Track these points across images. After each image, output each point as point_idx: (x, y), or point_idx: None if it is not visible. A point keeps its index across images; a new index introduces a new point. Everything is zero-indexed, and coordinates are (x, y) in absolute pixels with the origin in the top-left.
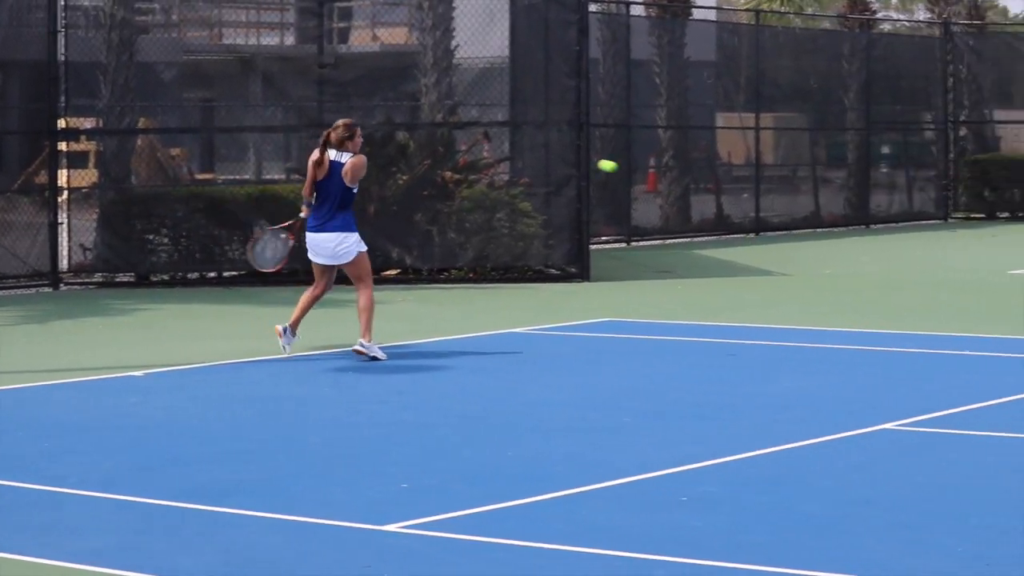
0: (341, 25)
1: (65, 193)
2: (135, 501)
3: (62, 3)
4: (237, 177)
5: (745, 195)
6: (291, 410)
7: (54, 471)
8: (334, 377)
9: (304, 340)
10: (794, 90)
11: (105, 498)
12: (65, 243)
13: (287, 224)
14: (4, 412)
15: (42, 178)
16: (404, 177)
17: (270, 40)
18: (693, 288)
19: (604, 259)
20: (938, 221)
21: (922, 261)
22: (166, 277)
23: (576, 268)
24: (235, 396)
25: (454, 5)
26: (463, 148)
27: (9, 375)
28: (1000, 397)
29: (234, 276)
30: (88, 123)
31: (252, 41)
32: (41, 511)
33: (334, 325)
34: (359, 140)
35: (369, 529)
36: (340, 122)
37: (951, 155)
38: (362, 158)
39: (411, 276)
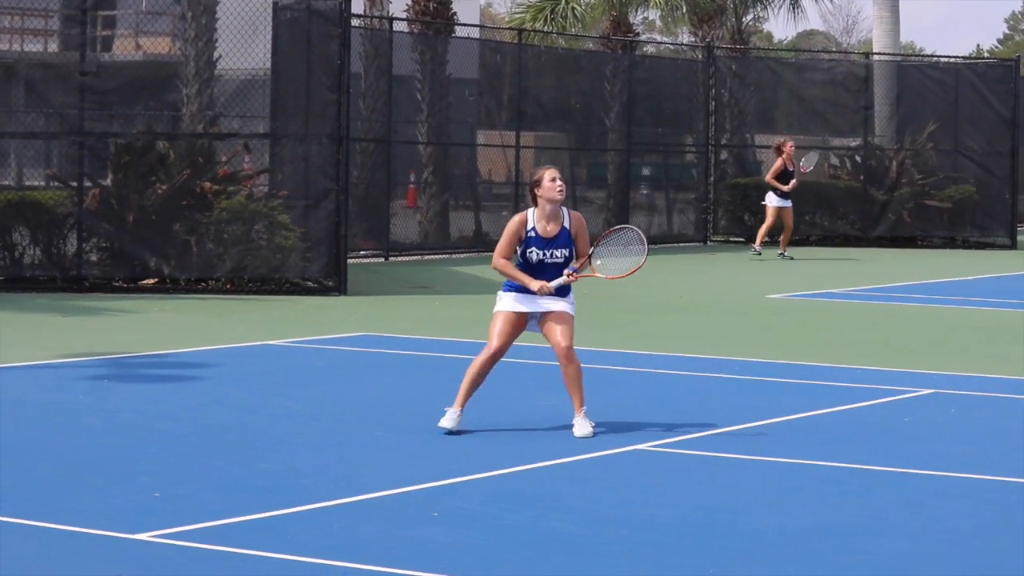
0: (105, 33)
1: None
2: None
3: None
4: None
5: (504, 213)
6: (44, 416)
7: None
8: (89, 384)
9: (61, 347)
10: (556, 109)
11: None
12: None
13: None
14: None
15: None
16: (163, 186)
17: (34, 47)
18: (450, 304)
19: (362, 273)
20: (697, 244)
21: (681, 283)
22: None
23: (333, 282)
24: None
25: (217, 16)
26: (223, 159)
27: None
28: (753, 420)
29: None
30: None
31: (15, 47)
32: None
33: (92, 334)
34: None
35: (119, 537)
36: None
37: (712, 178)
38: None
39: (169, 286)
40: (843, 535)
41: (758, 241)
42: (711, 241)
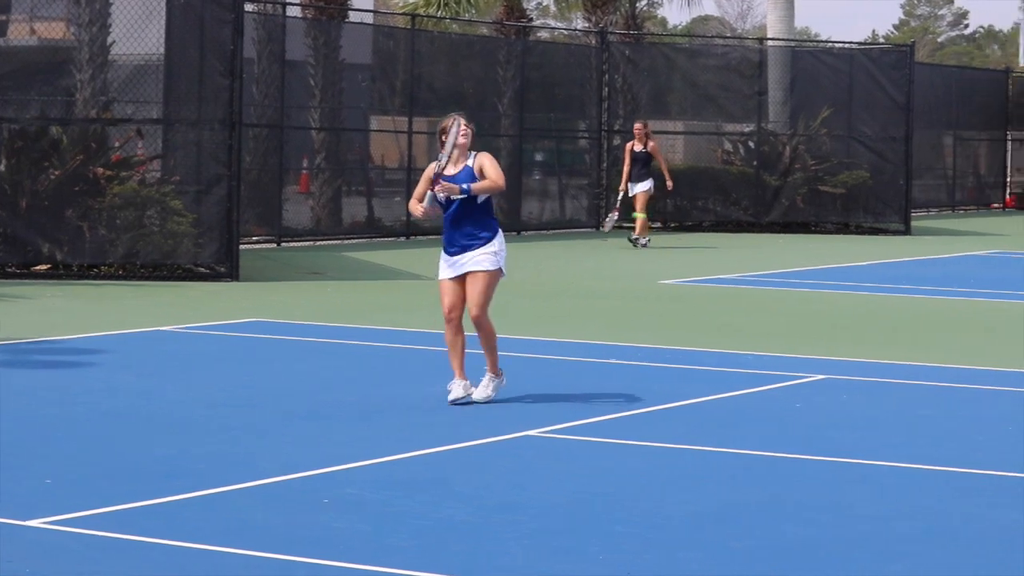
0: None
1: None
2: None
3: None
4: None
5: (397, 199)
6: None
7: None
8: None
9: None
10: (449, 95)
11: None
12: None
13: None
14: None
15: None
16: (56, 172)
17: None
18: (343, 290)
19: (254, 259)
20: (590, 229)
21: (573, 269)
22: None
23: (225, 268)
24: None
25: (111, 1)
26: (116, 144)
27: None
28: (646, 406)
29: None
30: None
31: None
32: None
33: None
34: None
35: (11, 524)
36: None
37: (604, 164)
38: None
39: (61, 272)
40: (742, 520)
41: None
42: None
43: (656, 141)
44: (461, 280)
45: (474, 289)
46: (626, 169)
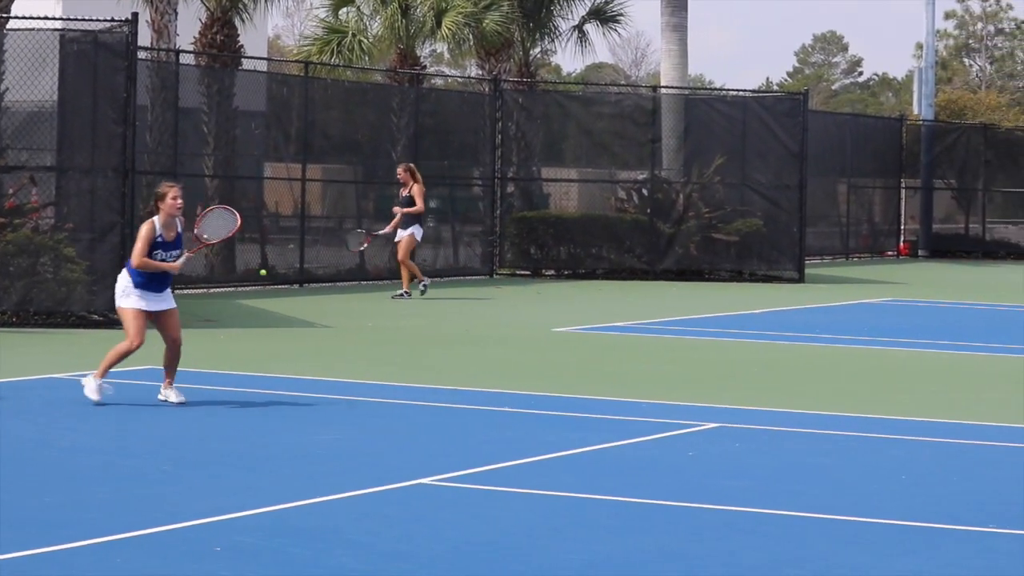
0: None
1: None
2: None
3: None
4: None
5: (291, 246)
6: None
7: None
8: None
9: None
10: (343, 142)
11: None
12: None
13: None
14: None
15: None
16: None
17: None
18: (236, 338)
19: None
20: (483, 277)
21: (466, 317)
22: None
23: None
24: None
25: (4, 48)
26: (10, 191)
27: None
28: (539, 454)
29: None
30: None
31: None
32: None
33: None
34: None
35: None
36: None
37: (498, 211)
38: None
39: None
40: (622, 569)
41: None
42: (497, 274)
43: (420, 184)
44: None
45: (176, 320)
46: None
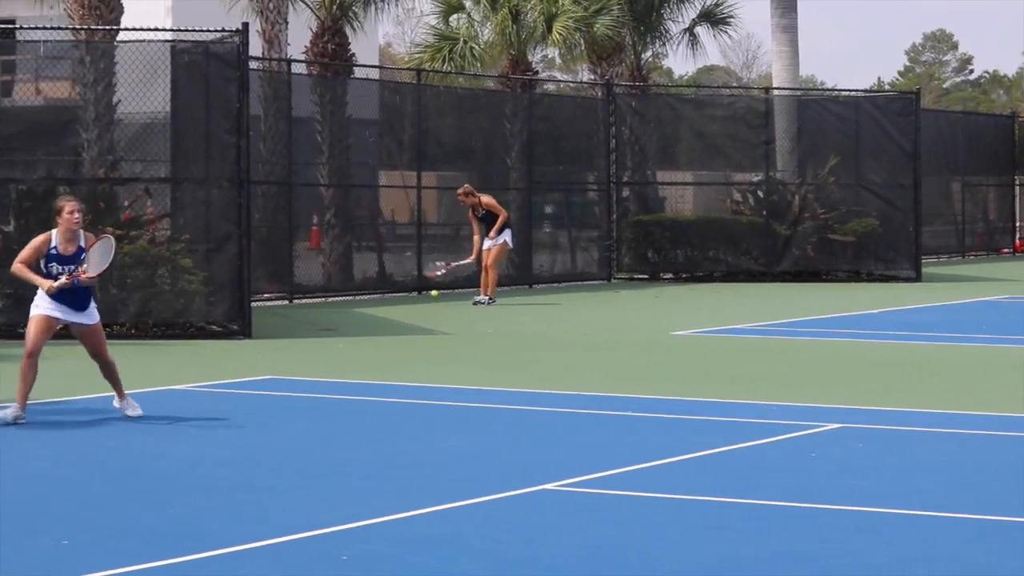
0: (4, 78)
1: None
2: None
3: None
4: None
5: (408, 253)
6: None
7: None
8: None
9: None
10: (457, 149)
11: None
12: None
13: None
14: None
15: None
16: None
17: None
18: (356, 346)
19: (267, 316)
20: (601, 281)
21: (585, 321)
22: None
23: (238, 325)
24: None
25: (116, 60)
26: (125, 204)
27: None
28: (662, 458)
29: None
30: None
31: None
32: None
33: None
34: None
35: None
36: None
37: (614, 215)
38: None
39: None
40: (752, 572)
41: (489, 290)
42: (615, 278)
43: (485, 195)
44: (55, 323)
45: (98, 337)
46: (476, 237)
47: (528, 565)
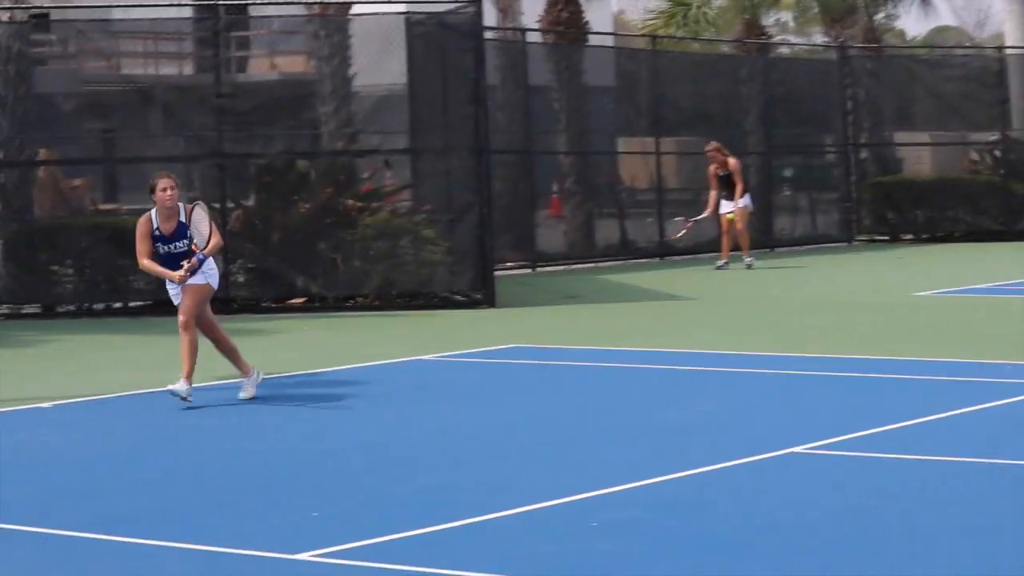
0: (239, 54)
1: None
2: (42, 532)
3: None
4: (141, 207)
5: (649, 219)
6: (197, 440)
7: None
8: (239, 407)
9: (210, 370)
10: (694, 114)
11: (11, 529)
12: None
13: None
14: None
15: None
16: (306, 205)
17: (168, 70)
18: (600, 313)
19: (510, 285)
20: (842, 244)
21: (828, 284)
22: (72, 308)
23: (481, 294)
24: (142, 426)
25: (351, 33)
26: (365, 176)
27: None
28: (908, 419)
29: (139, 306)
30: None
31: (150, 71)
32: None
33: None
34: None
35: (280, 558)
36: None
37: (853, 178)
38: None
39: (316, 304)
40: (1001, 531)
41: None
42: (856, 240)
43: (733, 158)
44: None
45: (187, 297)
46: (713, 193)
47: (779, 529)
